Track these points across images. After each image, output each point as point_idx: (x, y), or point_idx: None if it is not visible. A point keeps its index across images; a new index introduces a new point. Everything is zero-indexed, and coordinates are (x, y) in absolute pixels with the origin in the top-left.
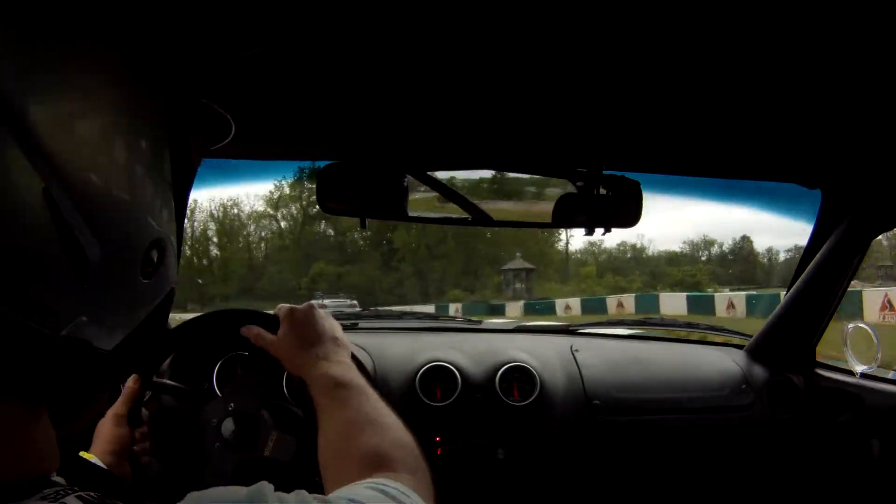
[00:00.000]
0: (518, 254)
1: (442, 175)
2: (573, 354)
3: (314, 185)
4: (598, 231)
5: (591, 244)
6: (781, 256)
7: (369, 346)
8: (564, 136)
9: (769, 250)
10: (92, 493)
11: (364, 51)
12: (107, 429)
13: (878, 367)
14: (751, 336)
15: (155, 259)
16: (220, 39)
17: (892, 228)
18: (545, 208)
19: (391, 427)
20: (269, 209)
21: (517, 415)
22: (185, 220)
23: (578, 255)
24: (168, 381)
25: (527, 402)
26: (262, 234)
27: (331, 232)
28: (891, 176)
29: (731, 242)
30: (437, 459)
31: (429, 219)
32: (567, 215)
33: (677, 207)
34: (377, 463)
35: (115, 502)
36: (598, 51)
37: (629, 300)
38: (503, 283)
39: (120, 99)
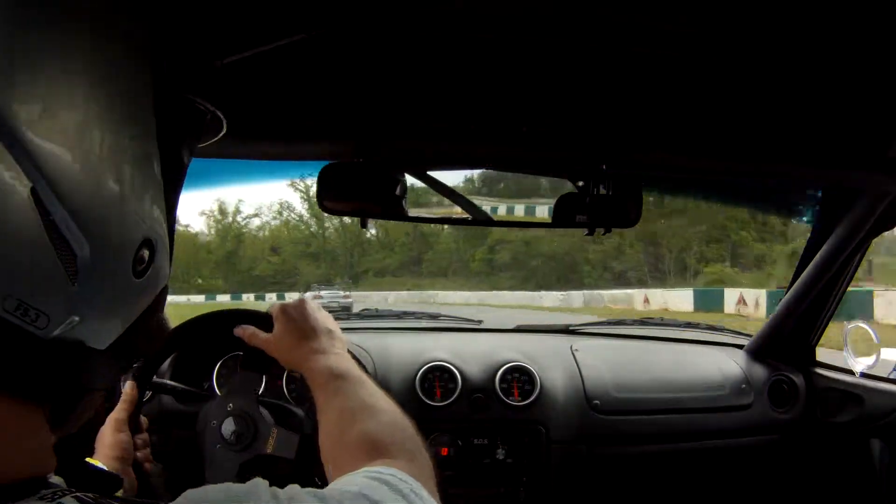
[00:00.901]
0: None
1: (442, 175)
2: (573, 354)
3: None
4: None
5: None
6: None
7: (369, 346)
8: (564, 135)
9: None
10: (89, 494)
11: (364, 50)
12: (108, 436)
13: None
14: (751, 336)
15: (146, 257)
16: (219, 38)
17: (891, 227)
18: (545, 208)
19: (388, 412)
20: None
21: (517, 415)
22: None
23: None
24: (168, 382)
25: (527, 402)
26: None
27: None
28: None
29: None
30: (439, 459)
31: (429, 219)
32: (567, 215)
33: None
34: (374, 450)
35: (110, 502)
36: (598, 51)
37: None
38: None
39: (107, 97)
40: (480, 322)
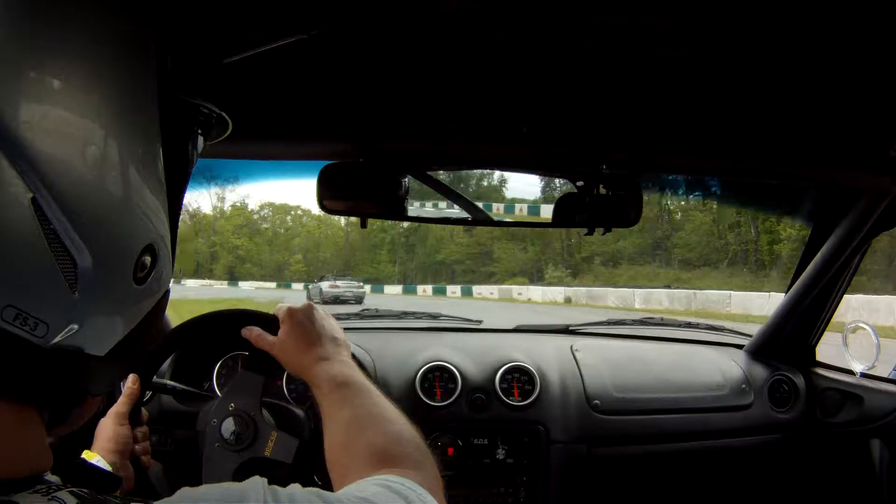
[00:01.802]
0: None
1: (442, 175)
2: (573, 354)
3: None
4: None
5: None
6: None
7: (369, 346)
8: (564, 135)
9: None
10: (85, 490)
11: (364, 51)
12: (108, 428)
13: None
14: (751, 336)
15: (148, 264)
16: (219, 39)
17: (891, 227)
18: (545, 208)
19: (394, 422)
20: None
21: (517, 415)
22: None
23: None
24: (168, 382)
25: (527, 402)
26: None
27: None
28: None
29: None
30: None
31: (429, 219)
32: (567, 215)
33: None
34: (382, 459)
35: (107, 499)
36: (598, 51)
37: None
38: None
39: (111, 104)
40: (480, 322)
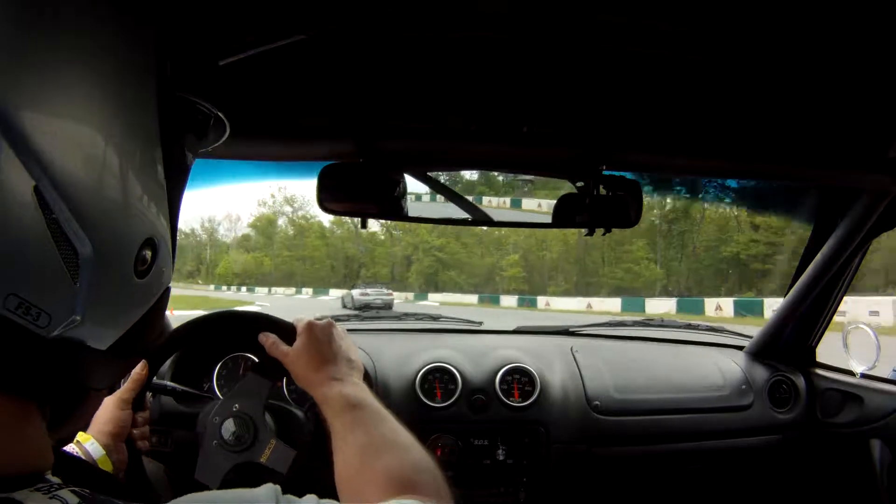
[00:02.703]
0: None
1: (442, 175)
2: (573, 355)
3: None
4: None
5: None
6: None
7: (369, 348)
8: (564, 135)
9: None
10: (86, 490)
11: (364, 51)
12: (107, 411)
13: None
14: (750, 337)
15: (148, 258)
16: (219, 39)
17: (891, 228)
18: (545, 208)
19: (411, 449)
20: None
21: (517, 415)
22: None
23: None
24: (168, 383)
25: (527, 402)
26: None
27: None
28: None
29: None
30: (439, 460)
31: (429, 219)
32: (567, 215)
33: None
34: (400, 485)
35: (109, 499)
36: (598, 52)
37: None
38: None
39: (112, 99)
40: (481, 323)
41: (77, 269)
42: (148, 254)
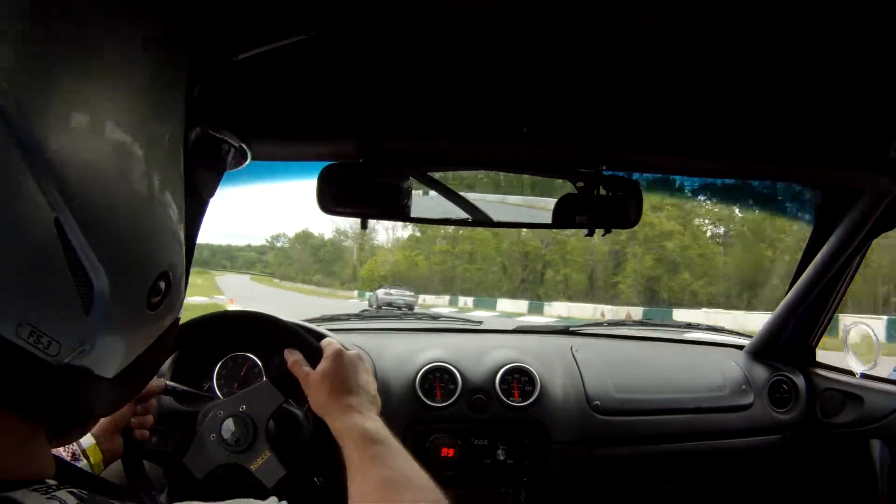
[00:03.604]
0: None
1: (442, 175)
2: (573, 355)
3: None
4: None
5: None
6: None
7: (370, 347)
8: (565, 136)
9: None
10: (84, 491)
11: (364, 51)
12: None
13: None
14: (751, 336)
15: (162, 290)
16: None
17: (891, 228)
18: (545, 209)
19: (429, 489)
20: None
21: (517, 415)
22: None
23: None
24: (168, 382)
25: (527, 402)
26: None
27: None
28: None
29: None
30: (439, 460)
31: (429, 220)
32: (567, 216)
33: None
34: None
35: (106, 500)
36: (599, 52)
37: None
38: None
39: (135, 134)
40: (480, 323)
41: (91, 300)
42: (162, 286)
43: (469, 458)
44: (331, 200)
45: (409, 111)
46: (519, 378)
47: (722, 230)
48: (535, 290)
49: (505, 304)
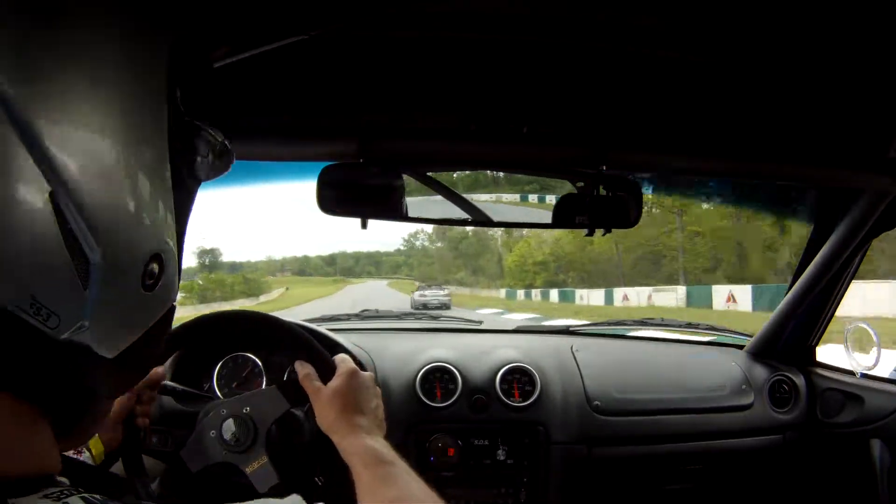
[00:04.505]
0: None
1: (442, 175)
2: (573, 355)
3: None
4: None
5: None
6: None
7: (370, 347)
8: (565, 136)
9: None
10: (97, 496)
11: (364, 51)
12: None
13: None
14: (751, 336)
15: (156, 272)
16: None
17: (891, 228)
18: (545, 208)
19: None
20: None
21: (517, 415)
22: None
23: None
24: (168, 382)
25: (527, 402)
26: None
27: None
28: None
29: None
30: (439, 460)
31: (429, 220)
32: (567, 216)
33: None
34: None
35: None
36: (599, 51)
37: None
38: None
39: (126, 112)
40: (481, 323)
41: (87, 276)
42: (155, 268)
43: (469, 458)
44: (331, 201)
45: (409, 111)
46: (519, 378)
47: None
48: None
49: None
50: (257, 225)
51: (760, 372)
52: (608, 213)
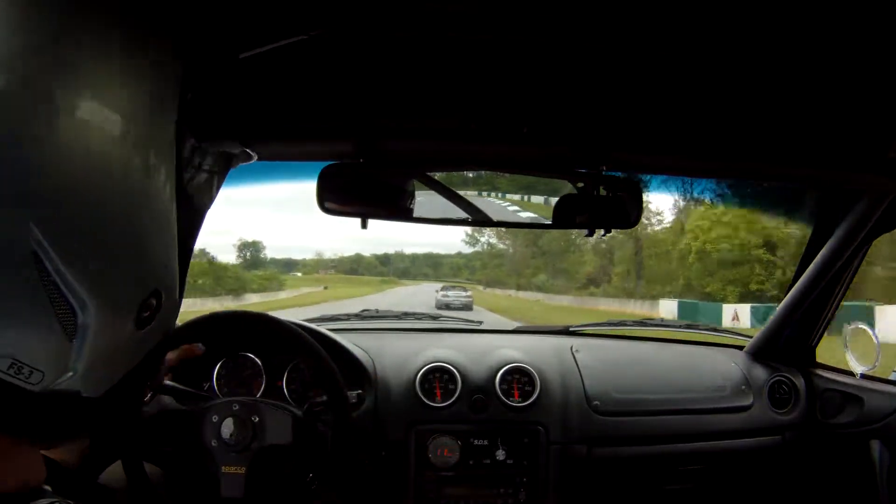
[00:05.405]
0: None
1: (442, 175)
2: (573, 355)
3: None
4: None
5: None
6: None
7: (370, 347)
8: (565, 136)
9: None
10: None
11: (364, 51)
12: None
13: None
14: (751, 337)
15: (153, 305)
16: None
17: (892, 229)
18: (545, 209)
19: None
20: None
21: (517, 416)
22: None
23: None
24: (168, 382)
25: (527, 402)
26: None
27: None
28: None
29: None
30: (438, 460)
31: (429, 220)
32: (567, 216)
33: None
34: None
35: None
36: (599, 51)
37: None
38: None
39: (131, 145)
40: (480, 323)
41: (75, 328)
42: (153, 302)
43: (469, 458)
44: (331, 201)
45: (409, 111)
46: (519, 378)
47: None
48: None
49: None
50: (308, 222)
51: (760, 372)
52: (608, 214)
